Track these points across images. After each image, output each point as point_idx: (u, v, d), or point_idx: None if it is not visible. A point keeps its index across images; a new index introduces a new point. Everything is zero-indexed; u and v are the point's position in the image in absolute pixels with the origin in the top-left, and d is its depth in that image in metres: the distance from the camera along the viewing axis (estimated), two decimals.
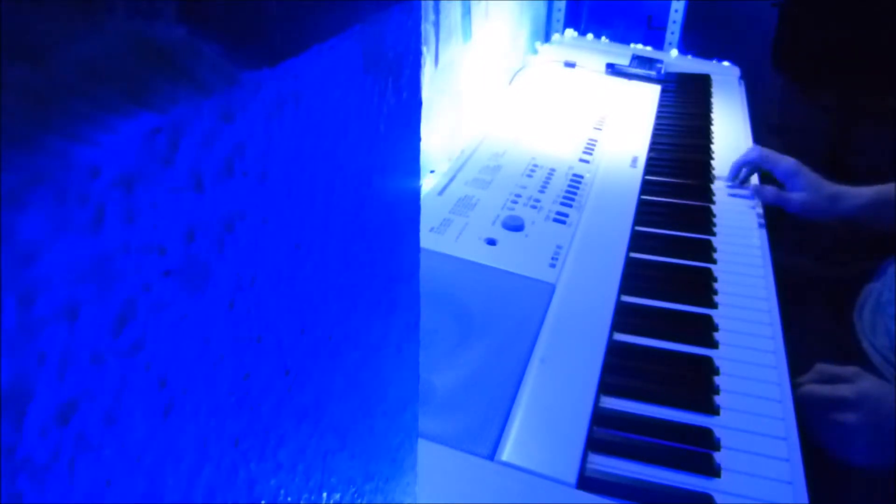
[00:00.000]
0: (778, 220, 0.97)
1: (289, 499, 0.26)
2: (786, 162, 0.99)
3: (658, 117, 1.24)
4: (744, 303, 0.76)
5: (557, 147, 1.06)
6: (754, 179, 1.06)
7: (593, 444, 0.56)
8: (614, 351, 0.66)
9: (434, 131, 0.93)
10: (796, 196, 0.96)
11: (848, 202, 0.94)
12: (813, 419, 0.69)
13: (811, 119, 1.44)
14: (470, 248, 0.78)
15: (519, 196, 0.90)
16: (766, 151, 1.02)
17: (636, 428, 0.58)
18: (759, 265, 0.83)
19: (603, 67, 1.42)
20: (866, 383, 0.71)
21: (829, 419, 0.70)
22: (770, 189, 0.99)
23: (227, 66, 0.18)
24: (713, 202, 0.97)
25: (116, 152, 0.15)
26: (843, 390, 0.71)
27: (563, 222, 0.85)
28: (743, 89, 1.43)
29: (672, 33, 1.66)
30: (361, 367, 0.31)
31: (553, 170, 0.98)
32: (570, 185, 0.94)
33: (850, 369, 0.73)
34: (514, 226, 0.82)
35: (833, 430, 0.70)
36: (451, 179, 0.92)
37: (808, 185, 0.96)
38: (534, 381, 0.61)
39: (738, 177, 1.05)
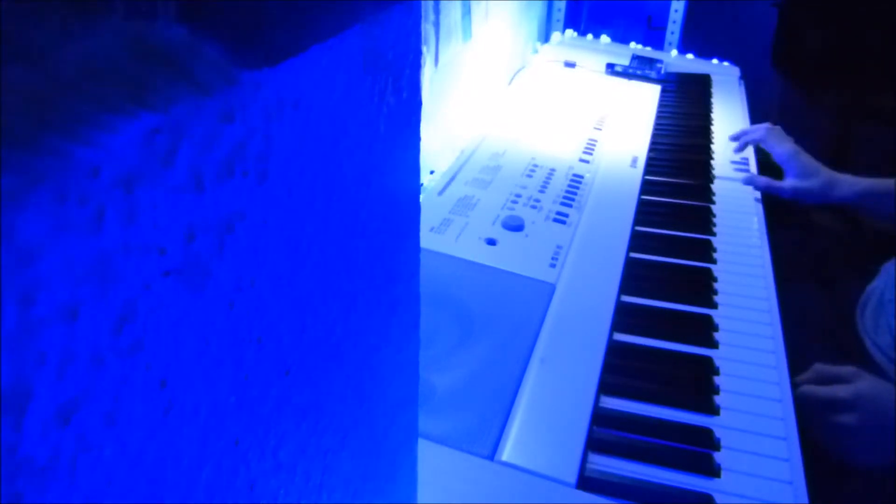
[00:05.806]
0: (778, 221, 0.97)
1: (289, 499, 0.26)
2: (785, 146, 1.02)
3: (658, 117, 1.24)
4: (744, 303, 0.76)
5: (557, 147, 1.06)
6: (752, 162, 1.07)
7: (593, 444, 0.56)
8: (614, 351, 0.66)
9: (434, 131, 0.93)
10: (788, 184, 0.99)
11: (843, 189, 0.96)
12: (811, 420, 0.69)
13: (811, 119, 1.45)
14: (470, 248, 0.78)
15: (519, 196, 0.90)
16: (775, 130, 1.05)
17: (636, 428, 0.58)
18: (759, 265, 0.83)
19: (603, 67, 1.42)
20: (864, 384, 0.71)
21: (827, 420, 0.70)
22: (762, 178, 1.02)
23: (227, 66, 0.18)
24: (713, 202, 0.97)
25: (116, 152, 0.15)
26: (840, 391, 0.70)
27: (563, 222, 0.85)
28: (743, 89, 1.43)
29: (672, 33, 1.66)
30: (361, 366, 0.31)
31: (553, 170, 0.98)
32: (570, 185, 0.94)
33: (847, 369, 0.73)
34: (514, 226, 0.82)
35: (831, 431, 0.70)
36: (451, 179, 0.92)
37: (804, 171, 0.98)
38: (534, 381, 0.61)
39: (738, 142, 1.10)
